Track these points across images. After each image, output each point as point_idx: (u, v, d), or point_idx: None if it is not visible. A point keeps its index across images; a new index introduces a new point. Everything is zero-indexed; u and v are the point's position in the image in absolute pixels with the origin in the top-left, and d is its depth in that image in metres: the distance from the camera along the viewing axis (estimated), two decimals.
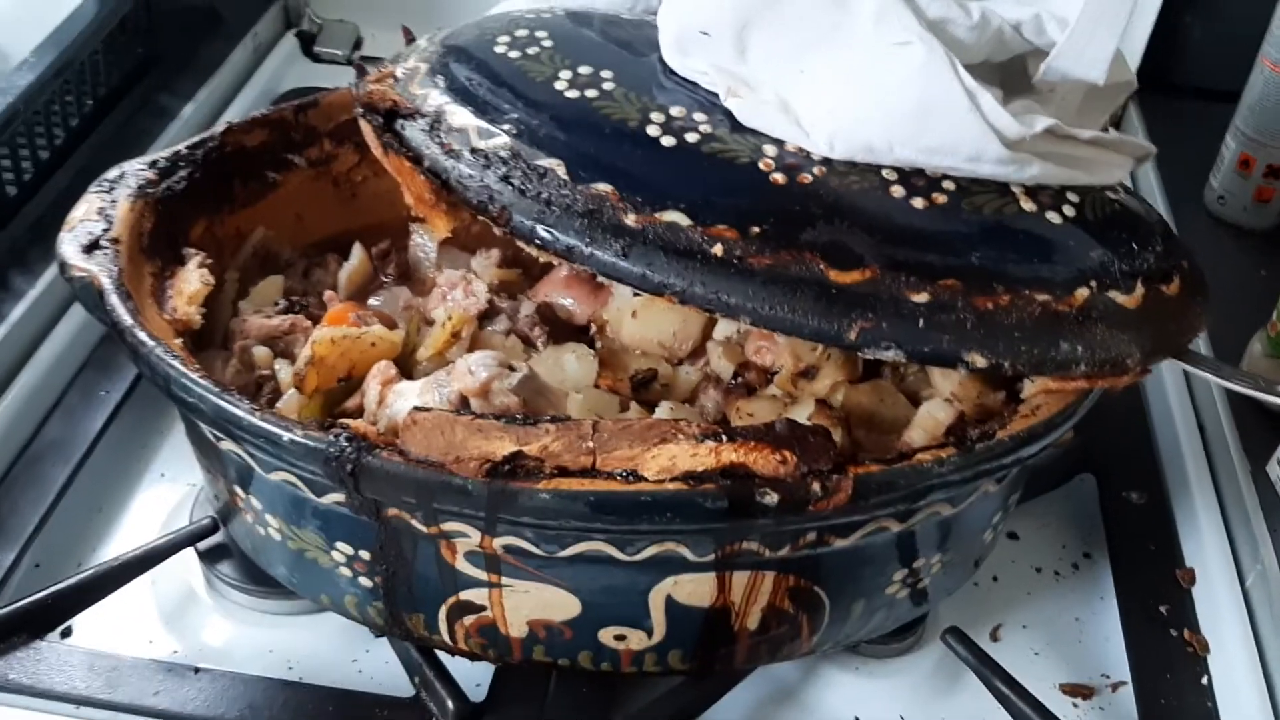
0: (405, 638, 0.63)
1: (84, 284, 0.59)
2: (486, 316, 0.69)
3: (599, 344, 0.68)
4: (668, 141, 0.58)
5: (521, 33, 0.67)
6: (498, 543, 0.55)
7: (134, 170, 0.66)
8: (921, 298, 0.53)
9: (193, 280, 0.63)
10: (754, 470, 0.51)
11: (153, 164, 0.67)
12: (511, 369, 0.57)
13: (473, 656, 0.63)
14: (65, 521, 0.74)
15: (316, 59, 1.19)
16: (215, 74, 1.07)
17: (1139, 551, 0.75)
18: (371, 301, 0.72)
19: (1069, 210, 0.58)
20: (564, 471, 0.51)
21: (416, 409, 0.52)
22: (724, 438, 0.52)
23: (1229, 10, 1.06)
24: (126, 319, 0.57)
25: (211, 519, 0.70)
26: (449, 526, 0.54)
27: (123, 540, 0.74)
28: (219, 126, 0.70)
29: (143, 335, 0.56)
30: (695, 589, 0.57)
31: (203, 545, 0.71)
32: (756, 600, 0.59)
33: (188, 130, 1.00)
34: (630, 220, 0.55)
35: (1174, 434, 0.82)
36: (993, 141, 0.55)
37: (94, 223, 0.63)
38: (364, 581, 0.60)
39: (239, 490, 0.62)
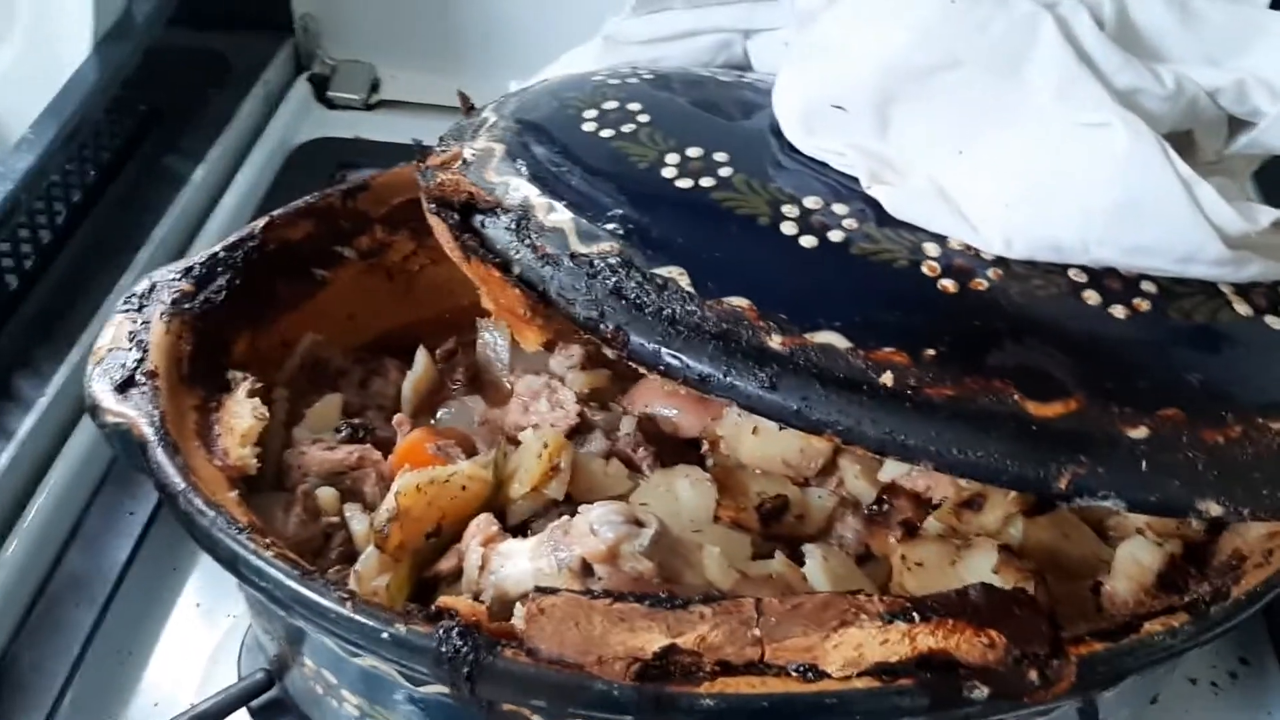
0: None
1: (122, 432, 0.50)
2: (577, 431, 0.59)
3: (710, 462, 0.59)
4: (808, 242, 0.49)
5: (610, 105, 0.58)
6: None
7: (166, 281, 0.57)
8: (1139, 433, 0.44)
9: (244, 414, 0.53)
10: (956, 658, 0.42)
11: (186, 271, 0.58)
12: (639, 523, 0.48)
13: None
14: (92, 671, 0.65)
15: (331, 105, 1.09)
16: (225, 129, 0.98)
17: None
18: (441, 415, 0.62)
19: None
20: (727, 668, 0.42)
21: (539, 591, 0.43)
22: (916, 617, 0.43)
23: None
24: (178, 481, 0.48)
25: (265, 672, 0.61)
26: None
27: (155, 689, 0.65)
28: (259, 222, 0.61)
29: (200, 503, 0.47)
30: None
31: (256, 703, 0.61)
32: None
33: (200, 196, 0.91)
34: (775, 343, 0.46)
35: None
36: (1212, 240, 0.46)
37: (125, 351, 0.53)
38: None
39: (308, 661, 0.52)
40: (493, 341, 0.65)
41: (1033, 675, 0.42)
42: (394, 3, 1.08)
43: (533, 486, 0.54)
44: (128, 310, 0.55)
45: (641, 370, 0.49)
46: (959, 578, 0.51)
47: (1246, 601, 0.46)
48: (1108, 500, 0.44)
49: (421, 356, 0.63)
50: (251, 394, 0.55)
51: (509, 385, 0.64)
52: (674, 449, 0.60)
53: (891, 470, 0.50)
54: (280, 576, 0.44)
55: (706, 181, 0.52)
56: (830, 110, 0.53)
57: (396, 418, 0.59)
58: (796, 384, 0.46)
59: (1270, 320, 0.48)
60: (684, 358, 0.47)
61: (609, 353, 0.50)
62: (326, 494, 0.54)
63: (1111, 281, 0.48)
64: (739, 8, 0.71)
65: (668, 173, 0.53)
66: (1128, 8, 0.51)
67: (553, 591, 0.43)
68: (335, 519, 0.54)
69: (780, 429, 0.53)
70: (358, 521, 0.53)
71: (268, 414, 0.54)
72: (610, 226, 0.51)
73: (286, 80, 1.09)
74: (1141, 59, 0.49)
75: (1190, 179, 0.45)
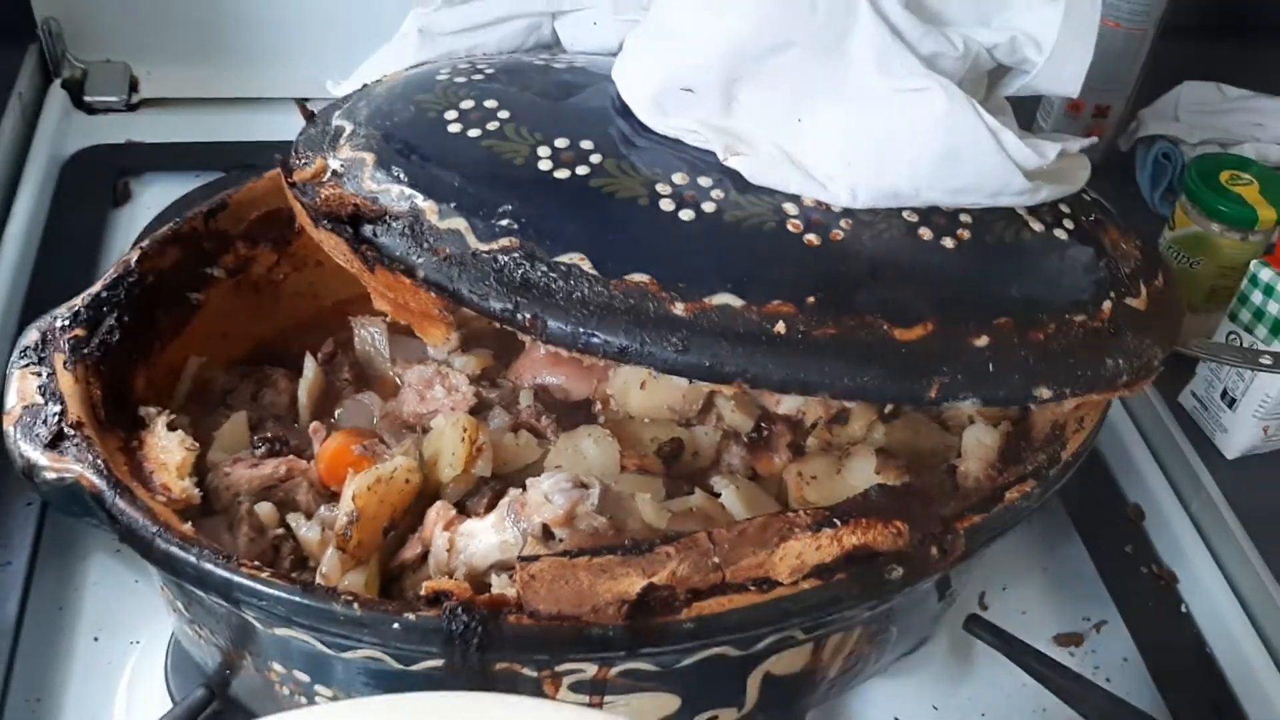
0: None
1: (68, 487, 0.51)
2: (476, 411, 0.64)
3: (603, 419, 0.65)
4: (686, 215, 0.56)
5: (467, 105, 0.62)
6: (614, 669, 0.52)
7: (57, 328, 0.57)
8: (983, 342, 0.54)
9: (174, 448, 0.55)
10: (875, 548, 0.51)
11: (75, 317, 0.58)
12: (584, 485, 0.54)
13: None
14: None
15: (91, 110, 1.05)
16: None
17: (1088, 495, 0.81)
18: (339, 415, 0.65)
19: (1068, 224, 0.60)
20: (697, 594, 0.49)
21: (524, 560, 0.49)
22: (838, 522, 0.51)
23: None
24: (148, 524, 0.49)
25: (205, 688, 0.63)
26: (565, 667, 0.51)
27: None
28: (132, 255, 0.61)
29: (179, 541, 0.49)
30: (793, 661, 0.57)
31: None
32: (841, 652, 0.59)
33: None
34: (679, 310, 0.53)
35: None
36: (1016, 175, 0.56)
37: (40, 406, 0.53)
38: None
39: (276, 666, 0.55)
40: (370, 338, 0.68)
41: (934, 551, 0.52)
42: None
43: (463, 469, 0.58)
44: (26, 365, 0.55)
45: (551, 349, 0.54)
46: (848, 482, 0.60)
47: (1073, 461, 0.57)
48: (967, 401, 0.54)
49: (310, 363, 0.65)
50: (169, 427, 0.56)
51: (395, 376, 0.67)
52: (568, 412, 0.66)
53: (790, 404, 0.58)
54: (284, 595, 0.48)
55: (582, 170, 0.57)
56: (680, 93, 0.59)
57: (312, 426, 0.61)
58: (704, 344, 0.52)
59: (1057, 232, 0.59)
60: (601, 334, 0.53)
61: (525, 339, 0.55)
62: (266, 509, 0.57)
63: (938, 217, 0.58)
64: None
65: (544, 165, 0.58)
66: None
67: (535, 559, 0.49)
68: (280, 530, 0.57)
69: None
70: (306, 529, 0.56)
71: (198, 445, 0.55)
72: (504, 223, 0.55)
73: (39, 89, 1.03)
74: (935, 25, 0.58)
75: (996, 128, 0.55)
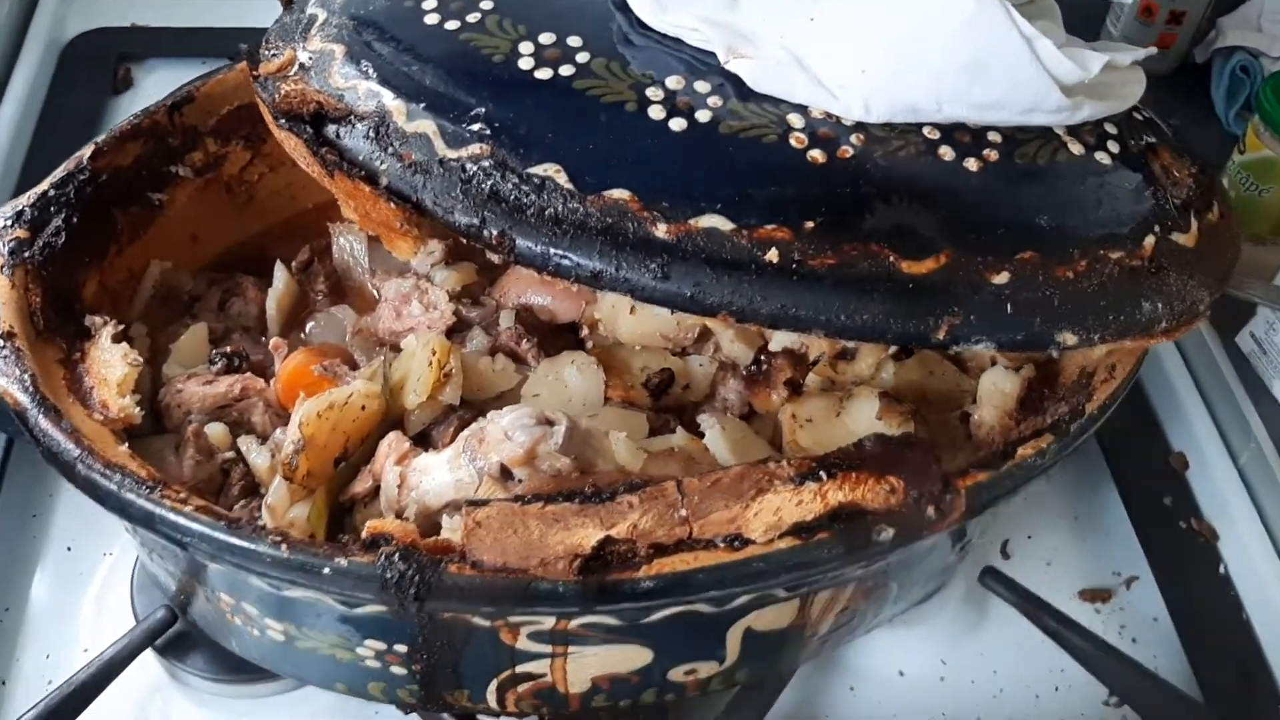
0: (442, 709, 0.56)
1: None
2: (455, 331, 0.59)
3: (590, 344, 0.60)
4: (677, 125, 0.50)
5: None
6: (575, 621, 0.48)
7: None
8: (1002, 278, 0.48)
9: (116, 363, 0.51)
10: (864, 506, 0.46)
11: (18, 216, 0.54)
12: (550, 422, 0.49)
13: (521, 715, 0.57)
14: None
15: None
16: None
17: (1127, 441, 0.75)
18: (310, 329, 0.61)
19: (1113, 146, 0.53)
20: (660, 550, 0.45)
21: (471, 504, 0.44)
22: (824, 475, 0.46)
23: None
24: (70, 447, 0.46)
25: (166, 609, 0.60)
26: (519, 618, 0.47)
27: (45, 641, 0.63)
28: (85, 151, 0.57)
29: (100, 467, 0.45)
30: (776, 617, 0.52)
31: (161, 641, 0.61)
32: (832, 609, 0.55)
33: None
34: (661, 232, 0.47)
35: None
36: (1052, 90, 0.49)
37: None
38: (396, 671, 0.53)
39: (225, 598, 0.52)
40: (349, 246, 0.64)
41: (930, 511, 0.46)
42: None
43: (428, 395, 0.54)
44: None
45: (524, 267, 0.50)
46: (846, 427, 0.54)
47: (1099, 415, 0.51)
48: (980, 344, 0.48)
49: (280, 271, 0.61)
50: (116, 339, 0.52)
51: (374, 289, 0.63)
52: (553, 335, 0.61)
53: (781, 340, 0.52)
54: (207, 530, 0.44)
55: (566, 70, 0.52)
56: None
57: (273, 342, 0.57)
58: (687, 270, 0.47)
59: (1099, 156, 0.52)
60: (573, 256, 0.47)
61: (494, 258, 0.50)
62: (216, 430, 0.53)
63: (962, 135, 0.51)
64: None
65: (524, 64, 0.52)
66: None
67: (484, 503, 0.44)
68: (230, 454, 0.53)
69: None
70: (256, 454, 0.52)
71: (141, 359, 0.52)
72: (476, 127, 0.50)
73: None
74: None
75: (1031, 35, 0.48)
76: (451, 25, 0.54)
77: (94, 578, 0.66)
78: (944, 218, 0.49)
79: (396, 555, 0.43)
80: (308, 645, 0.53)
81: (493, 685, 0.53)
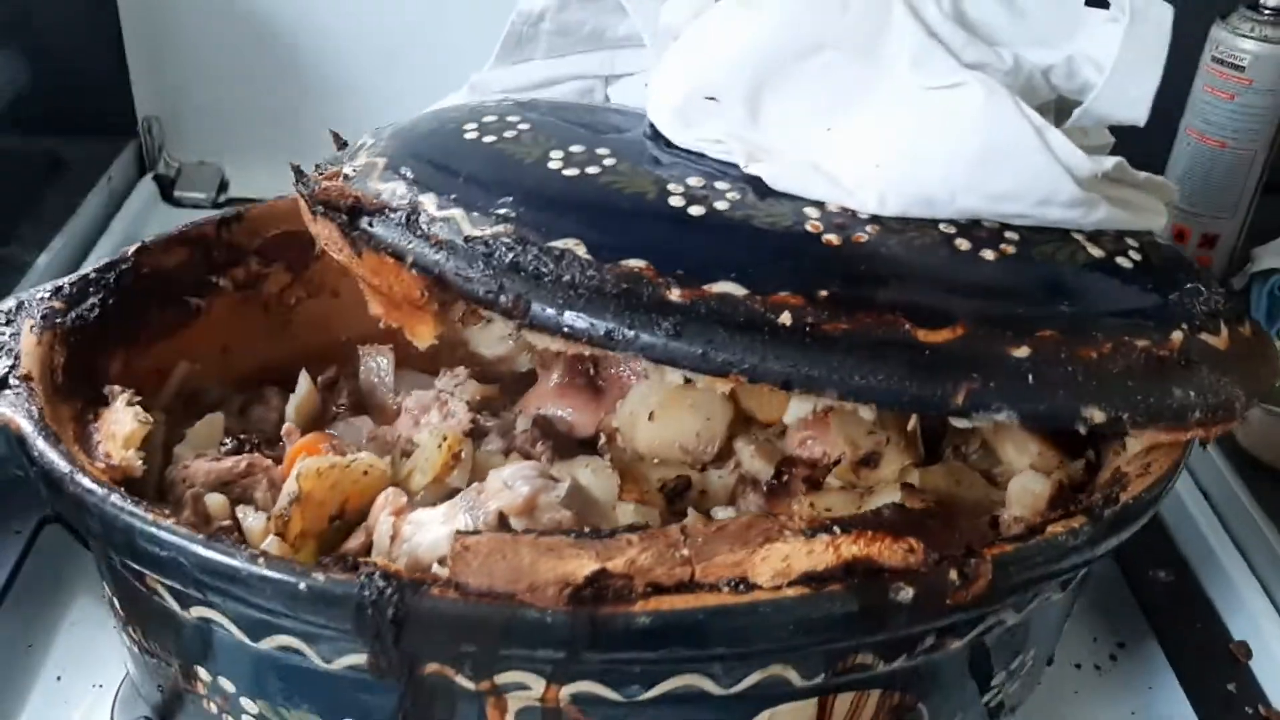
0: None
1: None
2: (472, 436, 0.59)
3: (608, 456, 0.59)
4: (696, 211, 0.51)
5: (490, 119, 0.59)
6: (565, 691, 0.44)
7: (35, 299, 0.55)
8: (1023, 352, 0.47)
9: (125, 420, 0.51)
10: (880, 563, 0.43)
11: (56, 290, 0.56)
12: (554, 479, 0.47)
13: None
14: None
15: (178, 203, 1.07)
16: (68, 222, 0.95)
17: (1186, 631, 0.70)
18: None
19: (1135, 255, 0.53)
20: (658, 589, 0.42)
21: (462, 533, 0.42)
22: (837, 530, 0.44)
23: None
24: (61, 464, 0.45)
25: (145, 718, 0.57)
26: (506, 678, 0.44)
27: None
28: (131, 247, 0.59)
29: (86, 481, 0.44)
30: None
31: None
32: None
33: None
34: (675, 295, 0.47)
35: (1174, 498, 0.78)
36: (1065, 181, 0.50)
37: None
38: None
39: (202, 673, 0.49)
40: (376, 367, 0.64)
41: (953, 575, 0.43)
42: (241, 104, 1.08)
43: (435, 476, 0.52)
44: None
45: (537, 341, 0.50)
46: None
47: (1135, 506, 0.48)
48: (1000, 413, 0.46)
49: (304, 380, 0.61)
50: (130, 404, 0.52)
51: (395, 407, 0.63)
52: (570, 447, 0.60)
53: (797, 410, 0.51)
54: (184, 542, 0.42)
55: (592, 170, 0.54)
56: (704, 102, 0.56)
57: (285, 427, 0.57)
58: (699, 330, 0.47)
59: (1120, 260, 0.53)
60: (586, 317, 0.48)
61: (508, 325, 0.50)
62: (215, 500, 0.52)
63: (978, 232, 0.52)
64: (599, 55, 0.75)
65: (553, 165, 0.55)
66: (960, 0, 0.57)
67: (474, 532, 0.42)
68: (227, 522, 0.51)
69: (664, 400, 0.55)
70: (252, 519, 0.50)
71: (150, 420, 0.52)
72: (502, 211, 0.52)
73: (130, 180, 1.07)
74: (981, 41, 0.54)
75: (1041, 125, 0.50)
76: (489, 139, 0.57)
77: (80, 705, 0.63)
78: (960, 296, 0.49)
79: (377, 574, 0.41)
80: None
81: None
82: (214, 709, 0.50)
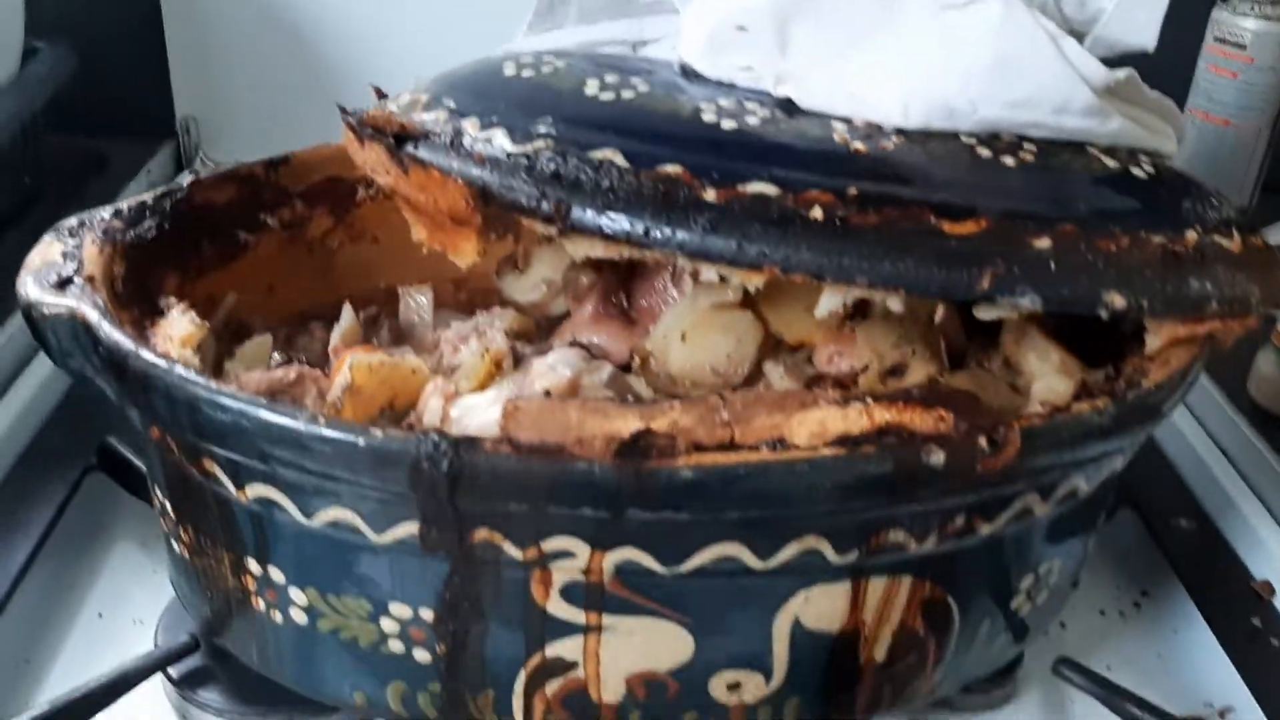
0: None
1: (63, 321, 0.49)
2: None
3: (642, 381, 0.61)
4: (729, 125, 0.54)
5: (528, 59, 0.62)
6: (609, 560, 0.46)
7: (96, 218, 0.57)
8: (1044, 243, 0.49)
9: (182, 323, 0.53)
10: (913, 429, 0.45)
11: (116, 212, 0.58)
12: (598, 363, 0.49)
13: None
14: None
15: None
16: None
17: (1211, 575, 0.71)
18: None
19: (1147, 168, 0.55)
20: (700, 448, 0.44)
21: (512, 399, 0.44)
22: (870, 400, 0.45)
23: (1149, 65, 1.11)
24: (126, 342, 0.47)
25: (190, 635, 0.58)
26: (553, 544, 0.45)
27: (61, 689, 0.60)
28: (184, 179, 0.62)
29: (150, 356, 0.46)
30: (826, 607, 0.49)
31: (176, 671, 0.58)
32: (888, 619, 0.51)
33: None
34: (710, 196, 0.50)
35: (1191, 452, 0.79)
36: (1081, 88, 0.52)
37: (59, 265, 0.53)
38: (419, 656, 0.50)
39: (252, 565, 0.51)
40: (416, 305, 0.67)
41: (983, 441, 0.45)
42: (277, 106, 1.12)
43: (478, 385, 0.54)
44: (58, 236, 0.55)
45: (578, 247, 0.52)
46: None
47: (1159, 392, 0.50)
48: (1024, 298, 0.48)
49: (348, 310, 0.63)
50: (185, 312, 0.55)
51: (434, 341, 0.65)
52: None
53: (827, 303, 0.53)
54: (247, 407, 0.44)
55: (628, 94, 0.57)
56: (734, 32, 0.59)
57: (333, 346, 0.59)
58: (733, 226, 0.49)
59: (1135, 170, 0.55)
60: (625, 217, 0.50)
61: (549, 230, 0.52)
62: None
63: (997, 142, 0.54)
64: (629, 22, 0.78)
65: (590, 91, 0.57)
66: None
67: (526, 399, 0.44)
68: None
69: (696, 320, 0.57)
70: None
71: (206, 325, 0.54)
72: (542, 130, 0.54)
73: (168, 178, 1.10)
74: None
75: (1056, 34, 0.52)
76: (527, 74, 0.60)
77: (118, 642, 0.64)
78: (982, 194, 0.51)
79: (433, 431, 0.43)
80: (331, 627, 0.50)
81: (520, 681, 0.50)
82: (262, 605, 0.52)
